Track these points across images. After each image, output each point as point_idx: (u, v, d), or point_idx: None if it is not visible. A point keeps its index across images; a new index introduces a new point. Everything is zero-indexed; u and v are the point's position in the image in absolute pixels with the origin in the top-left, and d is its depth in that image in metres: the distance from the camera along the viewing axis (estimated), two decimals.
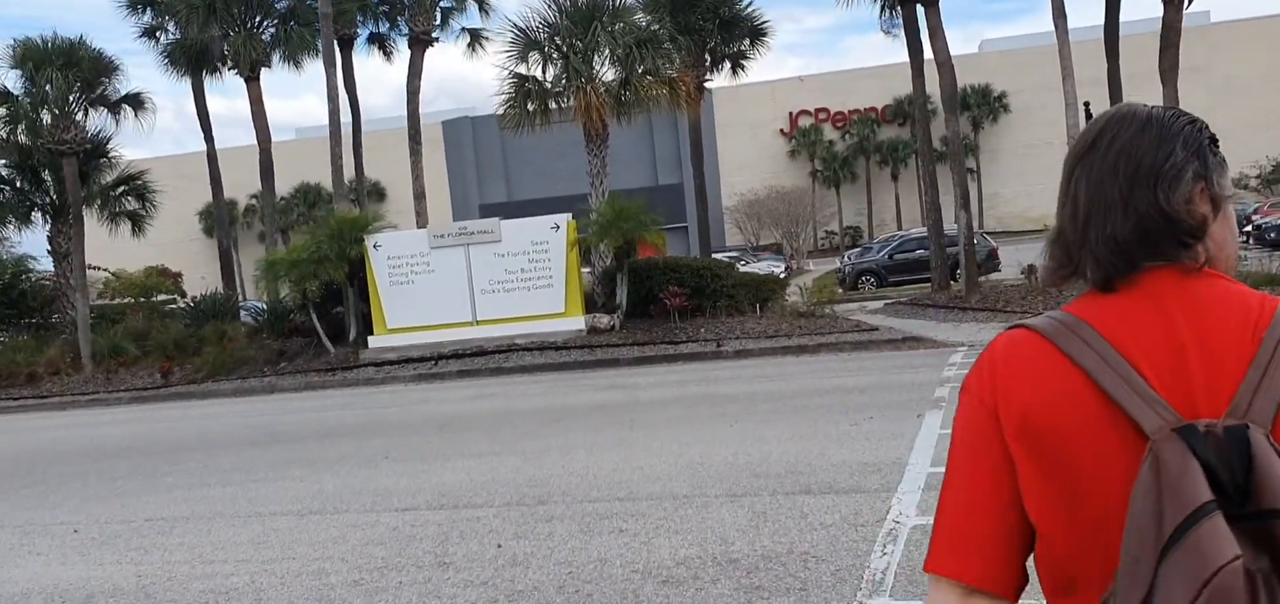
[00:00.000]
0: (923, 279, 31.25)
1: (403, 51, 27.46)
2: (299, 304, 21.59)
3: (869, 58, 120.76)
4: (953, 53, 22.62)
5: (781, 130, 76.93)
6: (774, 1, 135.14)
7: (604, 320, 20.73)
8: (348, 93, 27.91)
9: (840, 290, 36.19)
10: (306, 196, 70.03)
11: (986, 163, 73.26)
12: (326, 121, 22.99)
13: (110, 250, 67.22)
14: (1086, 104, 18.65)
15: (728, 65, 27.03)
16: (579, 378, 17.97)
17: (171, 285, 42.35)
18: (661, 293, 20.73)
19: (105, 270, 42.88)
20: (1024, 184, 72.80)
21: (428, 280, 21.39)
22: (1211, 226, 1.35)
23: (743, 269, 38.97)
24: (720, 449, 9.80)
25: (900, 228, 62.17)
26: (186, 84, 27.60)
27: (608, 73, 21.99)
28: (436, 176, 75.24)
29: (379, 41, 28.59)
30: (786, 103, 77.09)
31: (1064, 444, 1.30)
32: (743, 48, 26.92)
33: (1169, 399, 1.27)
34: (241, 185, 68.07)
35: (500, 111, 21.88)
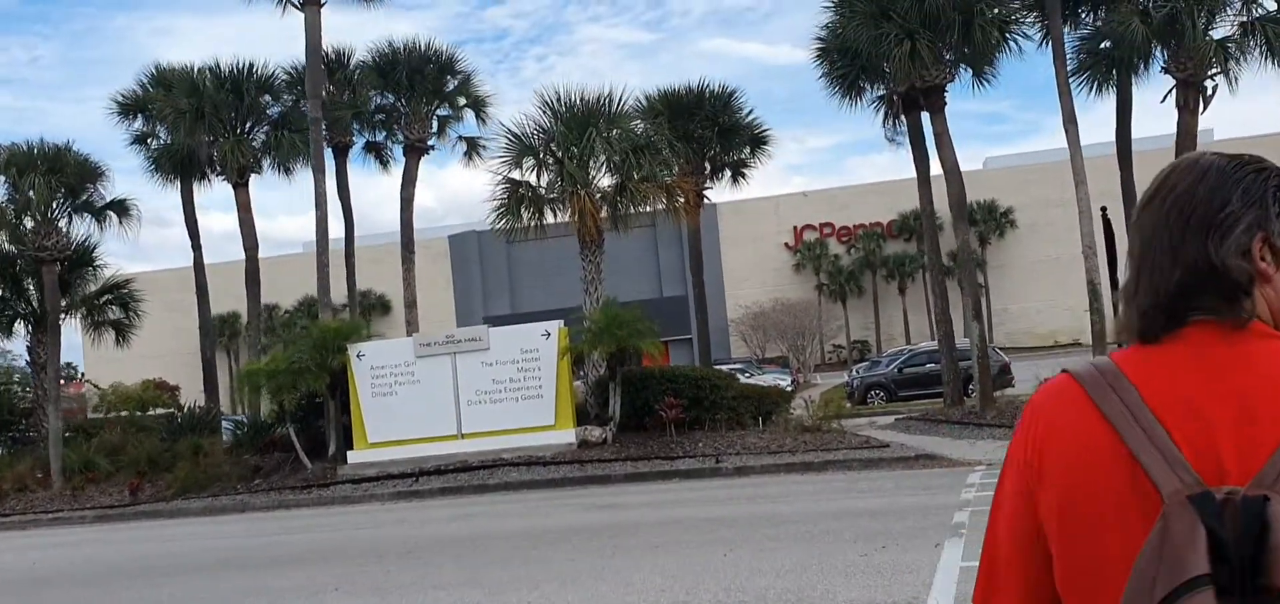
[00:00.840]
0: (933, 394, 30.10)
1: (400, 160, 26.90)
2: (276, 417, 20.47)
3: (872, 177, 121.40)
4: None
5: (786, 244, 76.51)
6: (777, 121, 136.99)
7: (596, 434, 19.57)
8: (341, 202, 27.26)
9: (849, 404, 35.06)
10: (310, 309, 69.35)
11: (994, 278, 72.46)
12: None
13: (110, 364, 66.54)
14: (1103, 209, 17.78)
15: (728, 174, 26.35)
16: (566, 496, 16.76)
17: (168, 399, 41.26)
18: (658, 405, 19.60)
19: (93, 384, 41.94)
20: (1033, 300, 71.95)
21: (411, 391, 20.31)
22: (1274, 278, 1.31)
23: (746, 381, 37.99)
24: (709, 584, 8.60)
25: (908, 342, 61.13)
26: (177, 193, 26.99)
27: (604, 179, 21.26)
28: (442, 289, 74.98)
29: (375, 151, 28.05)
30: (791, 217, 76.83)
31: (1088, 501, 1.29)
32: (743, 156, 26.26)
33: (1196, 462, 1.23)
34: (244, 298, 67.67)
35: (492, 217, 21.04)
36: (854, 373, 43.18)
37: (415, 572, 10.65)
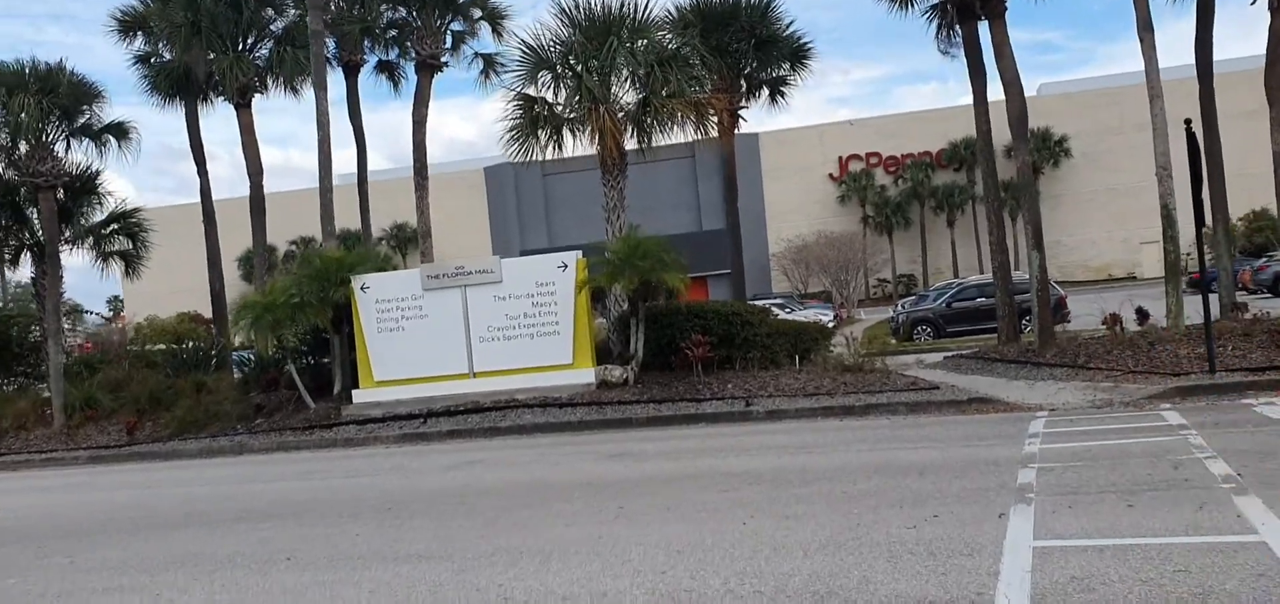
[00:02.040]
0: (985, 330, 28.20)
1: (414, 80, 25.18)
2: (275, 354, 19.13)
3: (920, 106, 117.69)
4: None
5: (831, 175, 74.19)
6: (824, 51, 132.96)
7: (617, 373, 17.99)
8: (353, 123, 25.73)
9: (893, 341, 33.26)
10: (345, 242, 68.46)
11: (1048, 210, 69.58)
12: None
13: (146, 298, 66.19)
14: (1187, 122, 15.67)
15: (766, 93, 24.31)
16: (582, 441, 15.25)
17: (206, 332, 40.46)
18: (684, 343, 17.97)
19: (110, 318, 41.07)
20: (1087, 231, 69.17)
21: (420, 327, 18.86)
22: None
23: (784, 318, 36.18)
24: (720, 565, 7.00)
25: (956, 276, 58.91)
26: (181, 117, 25.51)
27: (628, 95, 19.44)
28: (478, 221, 73.67)
29: (388, 70, 26.39)
30: (837, 147, 74.42)
31: None
32: (783, 73, 24.17)
33: None
34: (282, 230, 66.69)
35: (506, 139, 19.34)
36: (899, 308, 41.15)
37: (387, 535, 9.17)
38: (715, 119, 21.50)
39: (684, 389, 17.65)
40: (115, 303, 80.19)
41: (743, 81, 23.93)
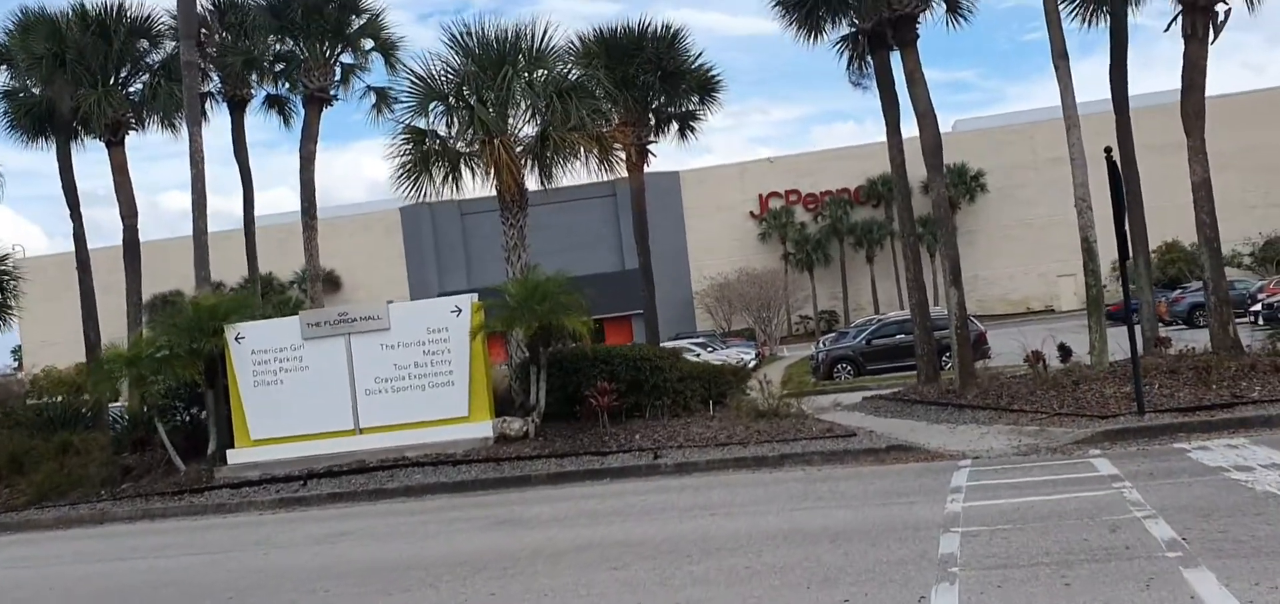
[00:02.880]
0: (906, 367, 27.50)
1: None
2: (138, 412, 17.43)
3: (839, 145, 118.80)
4: None
5: (752, 213, 73.97)
6: (742, 93, 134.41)
7: (516, 426, 16.68)
8: (239, 163, 24.12)
9: (813, 379, 32.47)
10: (243, 289, 66.01)
11: (965, 244, 69.89)
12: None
13: (48, 348, 62.76)
14: (1108, 150, 15.04)
15: (676, 127, 23.38)
16: (474, 504, 13.92)
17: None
18: (589, 390, 16.76)
19: (15, 368, 38.59)
20: (1005, 265, 69.82)
21: (300, 379, 17.33)
22: None
23: (705, 358, 35.18)
24: None
25: (877, 312, 58.77)
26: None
27: (527, 127, 18.29)
28: (394, 264, 71.69)
29: (278, 105, 24.87)
30: (757, 185, 74.30)
31: None
32: (692, 106, 23.27)
33: None
34: (184, 276, 63.92)
35: (396, 174, 18.02)
36: (820, 346, 40.51)
37: None
38: (623, 154, 20.42)
39: (589, 441, 16.42)
40: (18, 352, 76.32)
41: (651, 116, 22.96)
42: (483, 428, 16.83)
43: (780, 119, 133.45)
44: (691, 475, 14.52)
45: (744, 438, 15.81)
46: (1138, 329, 19.52)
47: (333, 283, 66.52)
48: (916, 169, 21.29)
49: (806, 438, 15.48)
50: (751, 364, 46.99)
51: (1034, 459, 12.86)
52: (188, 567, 11.53)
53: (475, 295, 17.14)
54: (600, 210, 71.92)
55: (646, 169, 23.76)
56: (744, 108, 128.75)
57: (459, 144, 17.73)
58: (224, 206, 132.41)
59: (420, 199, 18.09)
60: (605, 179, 19.06)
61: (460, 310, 16.81)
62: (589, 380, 17.28)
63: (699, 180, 74.42)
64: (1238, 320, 30.90)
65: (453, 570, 9.42)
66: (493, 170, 17.02)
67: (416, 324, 17.13)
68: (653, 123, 23.29)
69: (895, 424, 17.34)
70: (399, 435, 16.98)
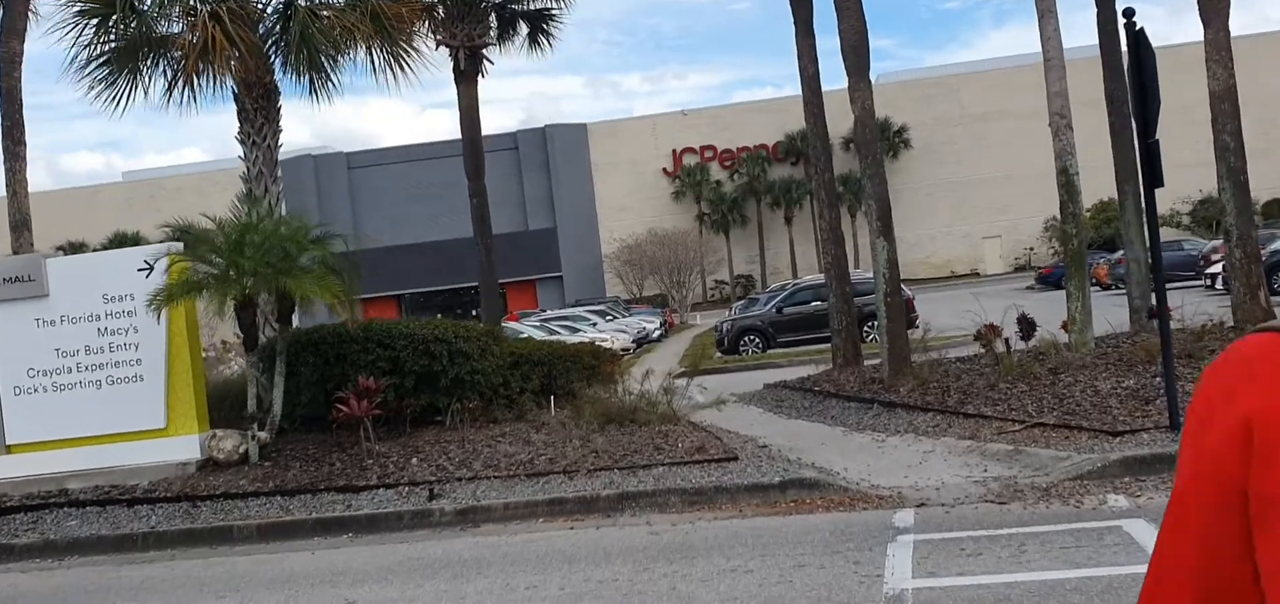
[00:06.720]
0: (822, 338, 22.50)
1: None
2: None
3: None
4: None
5: (665, 170, 68.69)
6: (661, 58, 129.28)
7: (229, 446, 11.01)
8: None
9: (718, 354, 27.42)
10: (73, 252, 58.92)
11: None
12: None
13: None
14: (1128, 12, 9.85)
15: (525, 28, 17.74)
16: (133, 575, 8.40)
17: None
18: (344, 391, 11.16)
19: None
20: (927, 226, 65.46)
21: None
22: None
23: (592, 334, 29.77)
24: None
25: (795, 276, 54.06)
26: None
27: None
28: None
29: None
30: (670, 139, 68.94)
31: None
32: (544, 4, 17.64)
33: None
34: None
35: (84, 74, 12.14)
36: (728, 314, 35.44)
37: None
38: (442, 52, 14.78)
39: (342, 467, 10.86)
40: None
41: (490, 10, 17.22)
42: (187, 446, 11.17)
43: (698, 84, 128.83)
44: (479, 529, 9.14)
45: (576, 461, 10.40)
46: (1123, 296, 14.66)
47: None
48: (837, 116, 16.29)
49: (667, 463, 10.13)
50: (655, 334, 41.93)
51: (1018, 509, 7.77)
52: None
53: (181, 244, 11.36)
54: (500, 164, 66.06)
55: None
56: (661, 73, 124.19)
57: (157, 17, 11.88)
58: (72, 167, 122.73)
59: (124, 106, 12.22)
60: (401, 76, 13.27)
61: (150, 267, 11.00)
62: (362, 372, 11.70)
63: (609, 133, 69.03)
64: (1184, 285, 26.42)
65: None
66: (202, 49, 11.20)
67: (89, 288, 11.34)
68: (495, 24, 17.59)
69: (800, 431, 12.17)
70: (64, 456, 11.25)
